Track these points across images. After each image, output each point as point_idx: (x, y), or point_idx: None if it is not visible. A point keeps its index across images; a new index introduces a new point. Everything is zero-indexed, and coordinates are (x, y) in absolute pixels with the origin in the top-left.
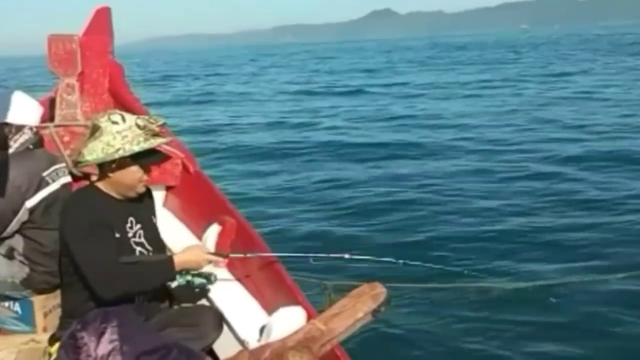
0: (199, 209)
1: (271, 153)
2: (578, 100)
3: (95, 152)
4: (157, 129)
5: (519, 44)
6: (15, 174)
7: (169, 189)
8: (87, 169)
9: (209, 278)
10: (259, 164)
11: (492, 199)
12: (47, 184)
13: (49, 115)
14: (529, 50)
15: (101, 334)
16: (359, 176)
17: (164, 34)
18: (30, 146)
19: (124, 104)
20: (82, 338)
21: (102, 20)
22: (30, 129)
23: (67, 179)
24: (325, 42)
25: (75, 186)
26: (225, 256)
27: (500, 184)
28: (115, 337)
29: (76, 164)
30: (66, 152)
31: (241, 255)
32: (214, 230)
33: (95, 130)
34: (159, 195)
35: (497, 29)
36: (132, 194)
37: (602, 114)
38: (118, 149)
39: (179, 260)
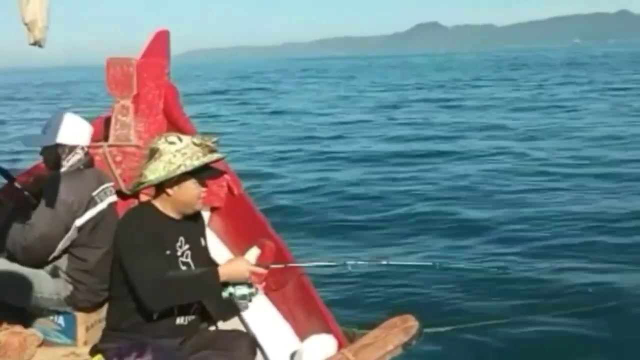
0: (240, 231)
1: None
2: None
3: (157, 171)
4: (213, 145)
5: None
6: (67, 193)
7: (213, 210)
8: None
9: (251, 291)
10: None
11: None
12: (96, 203)
13: (103, 135)
14: None
15: None
16: None
17: (204, 46)
18: (82, 166)
19: (177, 126)
20: None
21: (161, 42)
22: (82, 149)
23: (114, 197)
24: (377, 56)
25: (124, 205)
26: (267, 267)
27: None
28: None
29: (138, 185)
30: (117, 172)
31: (282, 266)
32: (253, 253)
33: (154, 152)
34: (204, 216)
35: (549, 43)
36: (189, 211)
37: None
38: (179, 166)
39: (223, 272)
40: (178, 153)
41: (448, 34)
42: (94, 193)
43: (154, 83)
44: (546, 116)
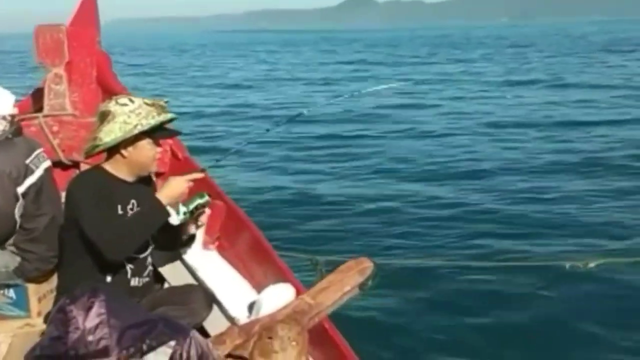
0: (188, 195)
1: None
2: None
3: (113, 132)
4: (165, 105)
5: None
6: (3, 163)
7: (158, 175)
8: (77, 157)
9: (206, 199)
10: None
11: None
12: (33, 171)
13: (37, 107)
14: None
15: (89, 308)
16: None
17: (132, 16)
18: (9, 135)
19: (113, 94)
20: (71, 311)
21: (88, 10)
22: (4, 118)
23: (48, 162)
24: (312, 30)
25: (64, 175)
26: (202, 170)
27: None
28: (102, 310)
29: (93, 148)
30: (55, 142)
31: (215, 165)
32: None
33: (105, 115)
34: None
35: (477, 21)
36: (145, 173)
37: None
38: (136, 125)
39: (163, 195)
40: (132, 113)
41: (380, 9)
42: (28, 161)
43: (85, 51)
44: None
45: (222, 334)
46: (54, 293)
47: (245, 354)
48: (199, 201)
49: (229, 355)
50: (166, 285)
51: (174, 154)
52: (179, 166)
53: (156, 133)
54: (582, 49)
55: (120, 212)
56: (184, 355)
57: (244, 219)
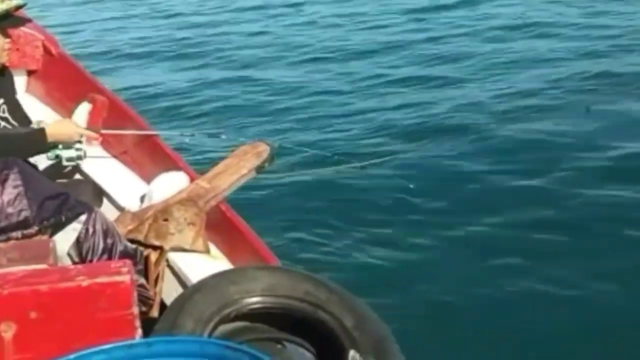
0: (65, 91)
1: None
2: None
3: None
4: None
5: None
6: None
7: (30, 73)
8: None
9: (79, 153)
10: None
11: None
12: None
13: None
14: None
15: (4, 180)
16: None
17: None
18: None
19: None
20: None
21: None
22: None
23: None
24: None
25: None
26: (97, 131)
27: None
28: (19, 182)
29: None
30: None
31: (116, 132)
32: (84, 109)
33: None
34: (21, 81)
35: None
36: None
37: None
38: None
39: (50, 132)
40: None
41: None
42: None
43: None
44: None
45: (114, 220)
46: None
47: (140, 237)
48: (74, 154)
49: None
50: None
51: (46, 50)
52: (53, 62)
53: (1, 22)
54: None
55: None
56: (90, 229)
57: (129, 112)
